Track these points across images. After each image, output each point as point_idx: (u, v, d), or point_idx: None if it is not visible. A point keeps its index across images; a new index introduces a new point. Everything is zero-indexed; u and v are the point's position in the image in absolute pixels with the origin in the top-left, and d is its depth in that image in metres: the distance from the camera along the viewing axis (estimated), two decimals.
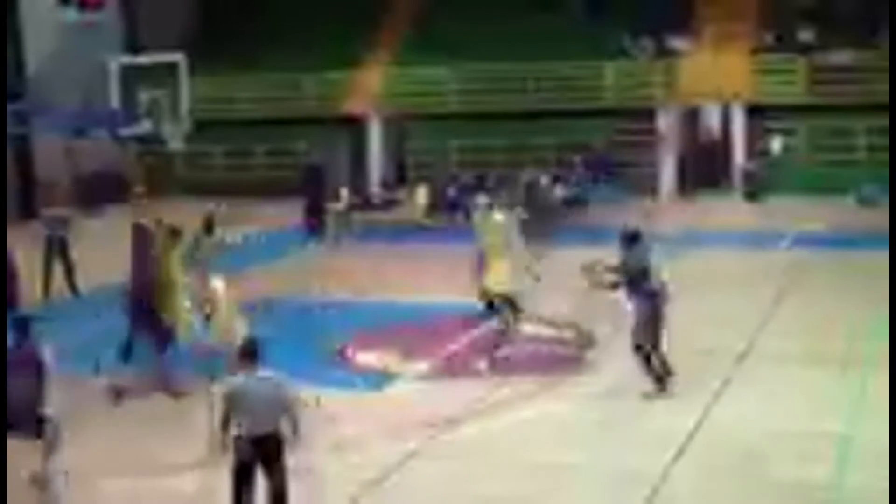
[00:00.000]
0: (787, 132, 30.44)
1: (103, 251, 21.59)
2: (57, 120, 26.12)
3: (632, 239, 13.23)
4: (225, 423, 9.34)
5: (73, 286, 20.26)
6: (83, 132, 26.35)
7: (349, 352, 15.87)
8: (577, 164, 28.88)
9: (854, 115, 28.85)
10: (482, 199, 18.11)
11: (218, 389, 9.42)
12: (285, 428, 9.33)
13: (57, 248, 20.54)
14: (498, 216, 16.16)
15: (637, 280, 13.03)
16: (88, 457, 11.90)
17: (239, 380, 9.27)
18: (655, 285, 13.04)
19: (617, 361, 14.66)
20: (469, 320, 17.04)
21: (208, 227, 16.07)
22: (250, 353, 9.28)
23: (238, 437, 9.26)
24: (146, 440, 12.48)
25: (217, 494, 10.78)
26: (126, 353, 14.34)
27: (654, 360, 13.11)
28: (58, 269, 20.44)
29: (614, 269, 13.33)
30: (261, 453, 9.27)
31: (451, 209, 26.72)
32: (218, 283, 15.30)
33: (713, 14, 32.09)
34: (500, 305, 14.90)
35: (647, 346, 13.06)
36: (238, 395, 9.22)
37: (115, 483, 11.19)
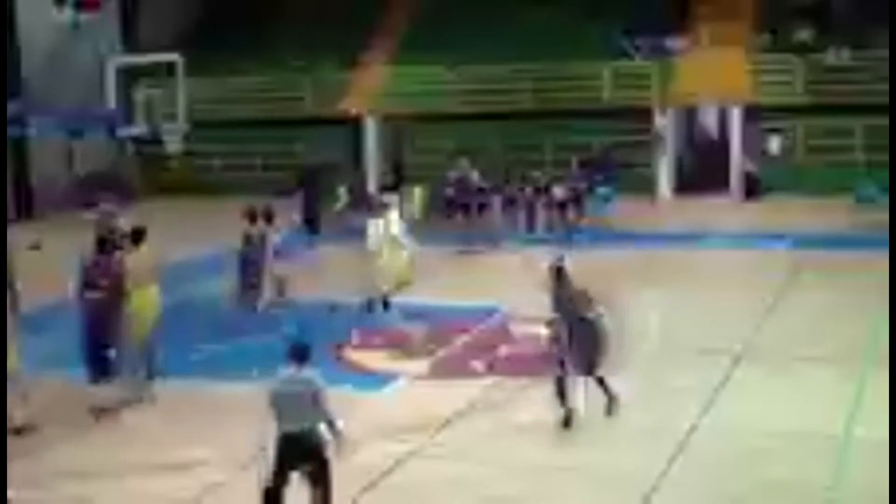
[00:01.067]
0: (784, 132, 30.42)
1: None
2: (54, 120, 26.04)
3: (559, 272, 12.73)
4: (273, 420, 9.42)
5: None
6: (80, 132, 26.29)
7: (347, 351, 15.84)
8: (573, 164, 28.81)
9: (851, 115, 28.84)
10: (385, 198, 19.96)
11: (267, 386, 9.56)
12: (324, 430, 9.39)
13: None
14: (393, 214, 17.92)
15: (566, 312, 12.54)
16: (90, 457, 11.91)
17: (280, 378, 9.43)
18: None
19: (613, 361, 14.65)
20: (467, 320, 17.04)
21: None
22: (297, 354, 9.42)
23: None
24: (148, 440, 12.47)
25: (217, 494, 10.79)
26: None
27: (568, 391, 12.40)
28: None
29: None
30: (294, 452, 9.32)
31: (448, 209, 26.66)
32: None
33: (710, 14, 32.03)
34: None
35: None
36: (275, 392, 9.37)
37: (117, 484, 11.17)
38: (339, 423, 9.44)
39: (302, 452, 9.32)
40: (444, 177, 25.49)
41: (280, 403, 9.30)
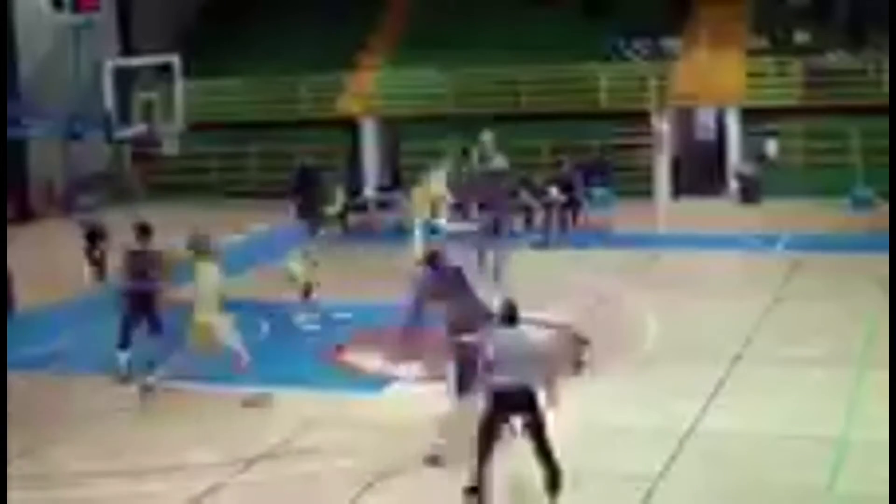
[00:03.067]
0: (782, 134, 30.43)
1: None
2: (51, 122, 26.03)
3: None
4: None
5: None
6: (78, 134, 26.28)
7: (346, 353, 15.84)
8: (565, 165, 28.74)
9: (849, 118, 28.85)
10: None
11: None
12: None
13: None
14: None
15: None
16: (90, 458, 11.90)
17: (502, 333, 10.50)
18: None
19: (611, 363, 14.69)
20: None
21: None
22: (509, 316, 10.48)
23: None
24: (148, 441, 12.46)
25: (217, 495, 10.79)
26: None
27: None
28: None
29: None
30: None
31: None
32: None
33: (708, 16, 32.06)
34: None
35: None
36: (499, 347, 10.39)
37: (117, 485, 11.17)
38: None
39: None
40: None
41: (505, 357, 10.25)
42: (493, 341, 10.41)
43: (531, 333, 10.59)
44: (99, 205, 22.15)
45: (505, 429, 10.24)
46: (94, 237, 20.99)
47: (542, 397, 10.21)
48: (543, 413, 10.16)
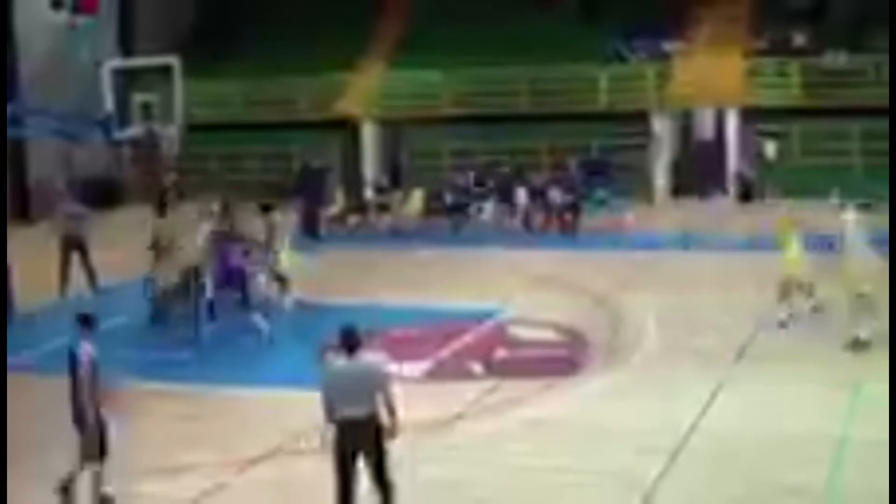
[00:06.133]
0: (780, 135, 30.43)
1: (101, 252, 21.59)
2: (51, 123, 26.03)
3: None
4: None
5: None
6: (77, 136, 26.29)
7: None
8: (570, 167, 28.82)
9: (848, 119, 28.85)
10: None
11: None
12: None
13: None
14: None
15: None
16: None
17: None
18: None
19: (611, 364, 14.70)
20: (465, 322, 17.05)
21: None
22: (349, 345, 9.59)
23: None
24: (147, 442, 12.46)
25: (216, 496, 10.78)
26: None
27: None
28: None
29: None
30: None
31: (450, 212, 26.80)
32: None
33: (707, 17, 32.09)
34: None
35: None
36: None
37: (115, 486, 11.16)
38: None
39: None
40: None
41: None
42: (330, 374, 9.76)
43: (367, 359, 9.70)
44: (88, 213, 22.01)
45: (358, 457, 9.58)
46: (69, 248, 20.70)
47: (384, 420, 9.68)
48: (384, 444, 9.64)
